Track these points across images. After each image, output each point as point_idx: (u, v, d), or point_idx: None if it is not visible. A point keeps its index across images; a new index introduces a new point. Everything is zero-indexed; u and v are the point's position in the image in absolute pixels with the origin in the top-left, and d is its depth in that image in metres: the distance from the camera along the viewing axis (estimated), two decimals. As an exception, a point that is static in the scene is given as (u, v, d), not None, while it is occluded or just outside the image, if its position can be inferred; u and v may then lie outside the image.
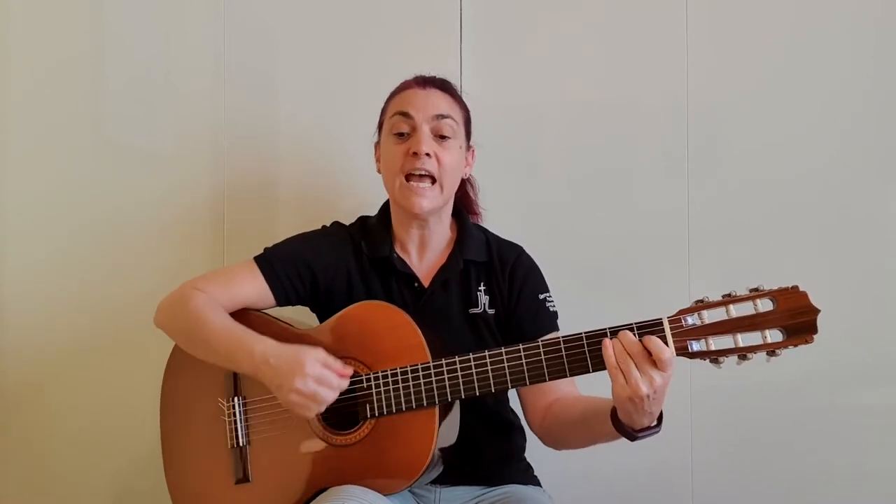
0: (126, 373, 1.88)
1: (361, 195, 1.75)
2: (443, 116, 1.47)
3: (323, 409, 1.33)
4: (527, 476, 1.56)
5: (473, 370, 1.33)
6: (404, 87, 1.53)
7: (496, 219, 1.71)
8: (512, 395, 1.59)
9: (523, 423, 1.59)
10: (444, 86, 1.52)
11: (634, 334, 1.24)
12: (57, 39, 1.94)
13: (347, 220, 1.61)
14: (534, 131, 1.88)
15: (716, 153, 1.84)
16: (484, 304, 1.51)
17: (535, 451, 1.59)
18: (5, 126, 1.95)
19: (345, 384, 1.34)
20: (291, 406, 1.33)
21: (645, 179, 1.85)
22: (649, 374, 1.21)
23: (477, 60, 1.87)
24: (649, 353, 1.21)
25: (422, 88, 1.50)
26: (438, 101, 1.49)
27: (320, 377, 1.31)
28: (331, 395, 1.32)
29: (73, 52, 1.94)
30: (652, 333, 1.23)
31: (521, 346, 1.31)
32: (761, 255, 1.81)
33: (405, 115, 1.47)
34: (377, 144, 1.57)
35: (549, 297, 1.54)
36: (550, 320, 1.52)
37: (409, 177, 1.46)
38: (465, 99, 1.57)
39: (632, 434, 1.28)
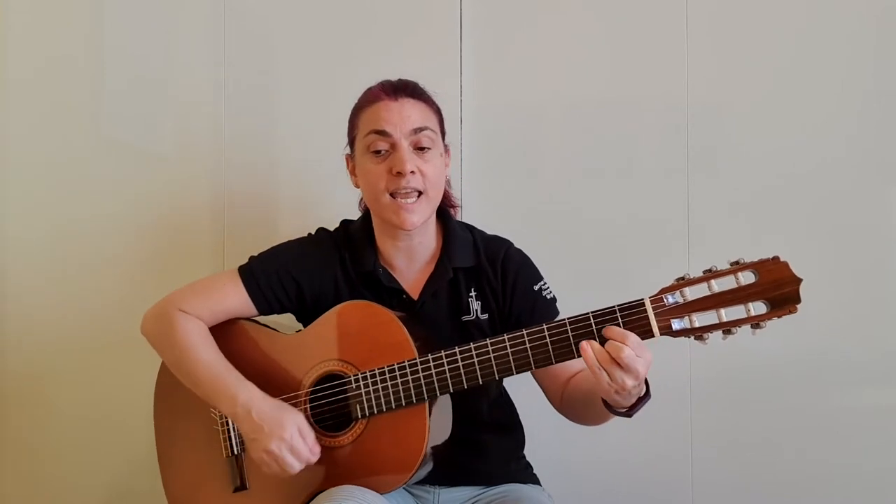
0: (125, 373, 1.88)
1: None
2: (421, 129, 1.42)
3: (285, 476, 1.36)
4: (526, 475, 1.56)
5: (460, 363, 1.33)
6: (373, 98, 1.45)
7: (495, 218, 1.71)
8: (512, 391, 1.59)
9: (523, 420, 1.59)
10: (414, 92, 1.46)
11: (617, 317, 1.24)
12: (57, 39, 1.95)
13: (347, 221, 1.60)
14: (533, 130, 1.88)
15: (716, 153, 1.84)
16: (476, 311, 1.49)
17: (535, 450, 1.59)
18: (5, 125, 1.95)
19: (313, 460, 1.36)
20: (259, 461, 1.37)
21: (645, 179, 1.85)
22: (634, 368, 1.20)
23: (477, 60, 1.87)
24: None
25: (394, 100, 1.43)
26: (413, 113, 1.43)
27: (294, 447, 1.34)
28: (297, 467, 1.35)
29: (73, 51, 1.94)
30: (634, 314, 1.24)
31: (505, 336, 1.31)
32: (761, 255, 1.81)
33: (382, 132, 1.42)
34: (349, 157, 1.53)
35: (545, 284, 1.51)
36: (549, 308, 1.50)
37: (393, 194, 1.42)
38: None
39: (627, 413, 1.29)
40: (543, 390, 1.51)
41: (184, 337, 1.43)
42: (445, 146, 1.52)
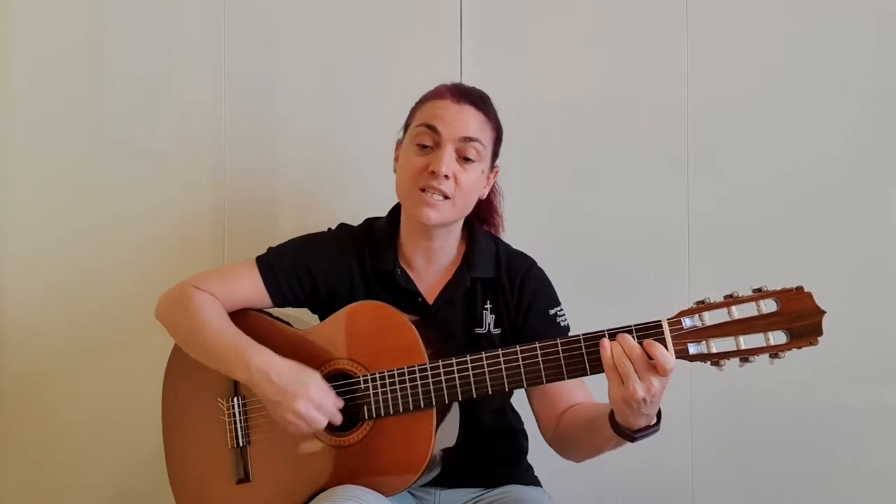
0: (126, 373, 1.88)
1: (361, 195, 1.75)
2: (471, 139, 1.41)
3: (310, 431, 1.36)
4: (527, 476, 1.56)
5: (471, 372, 1.32)
6: (438, 95, 1.45)
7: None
8: (516, 400, 1.59)
9: (526, 427, 1.59)
10: (479, 103, 1.45)
11: (634, 337, 1.22)
12: (57, 39, 1.94)
13: (346, 221, 1.60)
14: (534, 131, 1.87)
15: (716, 154, 1.84)
16: (489, 324, 1.49)
17: (536, 452, 1.59)
18: (5, 126, 1.95)
19: (338, 416, 1.36)
20: (284, 423, 1.36)
21: (645, 180, 1.85)
22: (648, 379, 1.19)
23: (477, 60, 1.87)
24: (649, 358, 1.20)
25: (455, 103, 1.42)
26: (470, 121, 1.42)
27: (321, 404, 1.34)
28: (324, 422, 1.35)
29: (73, 51, 1.94)
30: (651, 336, 1.22)
31: (518, 349, 1.30)
32: (762, 256, 1.81)
33: (432, 128, 1.41)
34: (400, 143, 1.52)
35: (561, 310, 1.50)
36: (561, 335, 1.46)
37: (423, 188, 1.42)
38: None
39: (630, 435, 1.27)
40: (538, 418, 1.50)
41: (197, 308, 1.43)
42: (494, 167, 1.51)
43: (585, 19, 1.87)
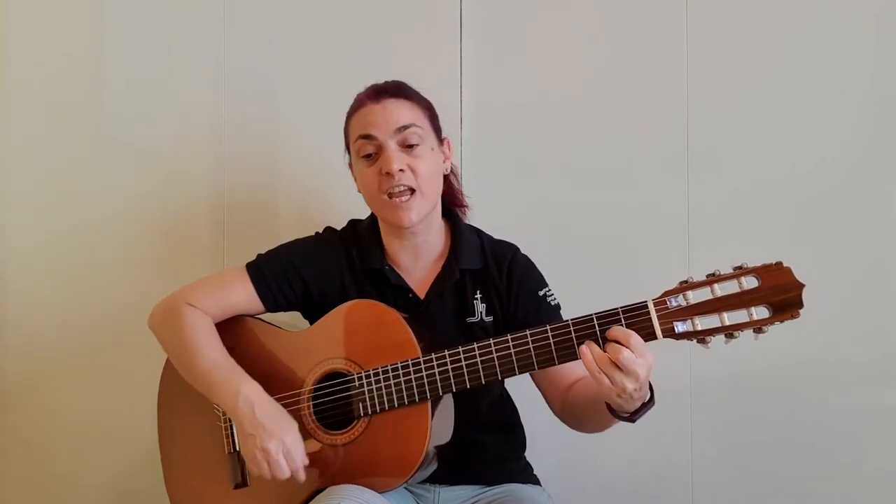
0: (125, 373, 1.88)
1: (361, 195, 1.75)
2: (405, 127, 1.43)
3: (270, 478, 1.35)
4: (526, 475, 1.56)
5: (463, 362, 1.33)
6: (359, 104, 1.48)
7: (495, 218, 1.72)
8: (513, 394, 1.59)
9: (523, 420, 1.60)
10: (397, 92, 1.47)
11: (620, 319, 1.25)
12: (57, 40, 1.95)
13: (346, 221, 1.60)
14: (534, 130, 1.88)
15: (716, 152, 1.84)
16: (481, 313, 1.50)
17: (535, 451, 1.59)
18: (5, 126, 1.95)
19: (301, 476, 1.36)
20: (249, 457, 1.37)
21: (645, 179, 1.85)
22: (633, 371, 1.20)
23: (477, 60, 1.87)
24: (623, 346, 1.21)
25: (376, 102, 1.45)
26: (397, 112, 1.44)
27: (291, 453, 1.34)
28: (286, 473, 1.35)
29: (73, 52, 1.94)
30: (637, 317, 1.24)
31: (509, 337, 1.32)
32: (762, 255, 1.80)
33: (367, 136, 1.44)
34: (351, 165, 1.54)
35: (549, 291, 1.53)
36: (553, 314, 1.51)
37: (389, 195, 1.43)
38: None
39: (630, 418, 1.29)
40: (544, 396, 1.52)
41: (189, 330, 1.44)
42: (443, 140, 1.52)
43: (585, 19, 1.87)
